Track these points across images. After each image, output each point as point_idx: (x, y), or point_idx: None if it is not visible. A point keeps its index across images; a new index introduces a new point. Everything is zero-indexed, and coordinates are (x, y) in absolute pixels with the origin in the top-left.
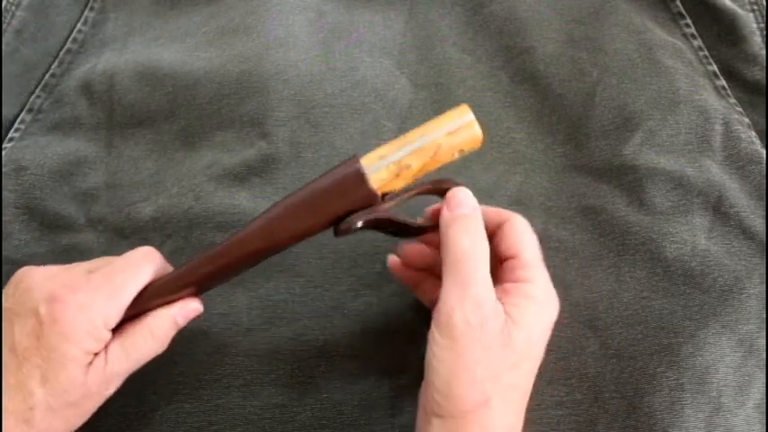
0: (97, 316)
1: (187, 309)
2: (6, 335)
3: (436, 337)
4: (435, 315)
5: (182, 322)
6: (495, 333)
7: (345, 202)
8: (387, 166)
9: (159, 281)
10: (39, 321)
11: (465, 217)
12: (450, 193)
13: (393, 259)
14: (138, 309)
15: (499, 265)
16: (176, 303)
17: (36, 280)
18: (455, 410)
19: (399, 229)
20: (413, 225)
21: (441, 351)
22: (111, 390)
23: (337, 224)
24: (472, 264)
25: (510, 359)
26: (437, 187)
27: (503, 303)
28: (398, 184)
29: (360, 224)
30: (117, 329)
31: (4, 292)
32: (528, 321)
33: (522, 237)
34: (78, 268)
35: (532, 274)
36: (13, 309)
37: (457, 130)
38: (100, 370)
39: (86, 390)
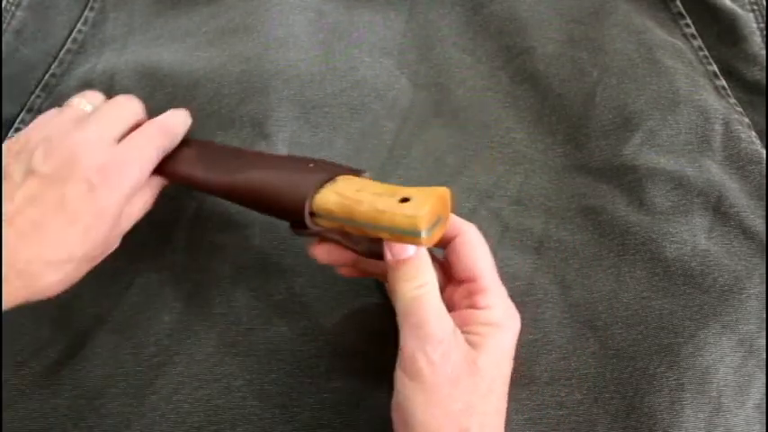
0: (134, 183)
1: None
2: (52, 196)
3: (405, 381)
4: (399, 361)
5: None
6: (460, 364)
7: (287, 218)
8: (331, 221)
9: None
10: (91, 187)
11: (408, 262)
12: (385, 243)
13: (340, 270)
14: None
15: (456, 287)
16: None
17: (80, 151)
18: None
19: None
20: (357, 251)
21: (411, 393)
22: (117, 242)
23: (295, 226)
24: (422, 306)
25: (480, 387)
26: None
27: (463, 332)
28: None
29: (312, 232)
30: None
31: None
32: (491, 347)
33: (477, 256)
34: (106, 131)
35: (491, 299)
36: (56, 173)
37: (402, 236)
38: (124, 218)
39: (114, 238)
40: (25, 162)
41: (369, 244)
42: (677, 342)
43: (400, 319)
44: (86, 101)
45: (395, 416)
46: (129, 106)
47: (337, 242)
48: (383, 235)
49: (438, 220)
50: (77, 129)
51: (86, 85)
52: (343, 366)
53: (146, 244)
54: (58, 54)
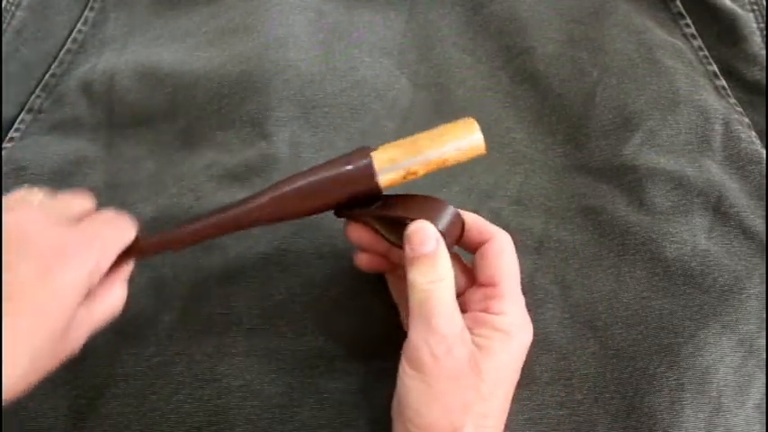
0: (94, 271)
1: (130, 266)
2: (4, 278)
3: (406, 369)
4: (404, 348)
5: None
6: (463, 362)
7: (350, 192)
8: (396, 170)
9: (156, 237)
10: (45, 270)
11: (425, 257)
12: (409, 231)
13: (359, 257)
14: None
15: (476, 288)
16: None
17: (34, 228)
18: None
19: (392, 231)
20: (388, 239)
21: (411, 382)
22: (78, 346)
23: (339, 209)
24: (434, 301)
25: (481, 389)
26: (406, 215)
27: (472, 333)
28: (399, 182)
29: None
30: None
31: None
32: (497, 352)
33: (502, 262)
34: (58, 215)
35: (506, 306)
36: (6, 254)
37: (465, 147)
38: (82, 321)
39: (65, 342)
40: None
41: (399, 236)
42: (677, 342)
43: (411, 310)
44: (34, 192)
45: (393, 404)
46: (82, 198)
47: (372, 227)
48: (448, 155)
49: None
50: (27, 209)
51: (86, 85)
52: (343, 366)
53: None
54: (58, 54)
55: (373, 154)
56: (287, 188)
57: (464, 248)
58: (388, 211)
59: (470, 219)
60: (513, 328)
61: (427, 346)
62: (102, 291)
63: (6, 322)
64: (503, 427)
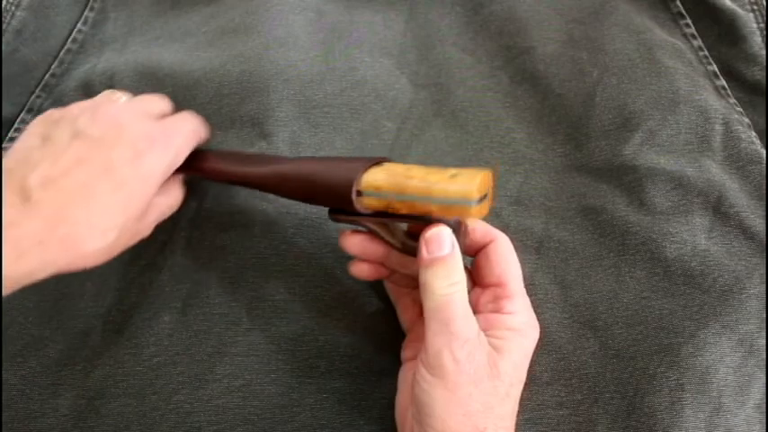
0: (174, 161)
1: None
2: (100, 160)
3: (426, 376)
4: (423, 355)
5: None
6: (483, 365)
7: (332, 202)
8: (378, 198)
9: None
10: (137, 154)
11: (442, 260)
12: (427, 235)
13: (356, 266)
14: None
15: (482, 291)
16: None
17: (127, 118)
18: None
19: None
20: (392, 244)
21: (432, 389)
22: (148, 231)
23: (334, 211)
24: (452, 305)
25: (500, 390)
26: (421, 218)
27: (486, 334)
28: (382, 209)
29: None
30: None
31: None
32: (512, 351)
33: (507, 262)
34: (144, 110)
35: (516, 305)
36: (104, 137)
37: (453, 206)
38: (154, 207)
39: (142, 224)
40: (70, 126)
41: (405, 238)
42: (677, 342)
43: (429, 315)
44: (118, 93)
45: (403, 411)
46: (162, 99)
47: (373, 233)
48: (433, 207)
49: (485, 197)
50: (119, 103)
51: (86, 85)
52: (343, 366)
53: (146, 244)
54: (58, 54)
55: (365, 176)
56: (289, 167)
57: (465, 252)
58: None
59: (473, 222)
60: (524, 326)
61: (449, 352)
62: (168, 185)
63: (105, 195)
64: (513, 425)
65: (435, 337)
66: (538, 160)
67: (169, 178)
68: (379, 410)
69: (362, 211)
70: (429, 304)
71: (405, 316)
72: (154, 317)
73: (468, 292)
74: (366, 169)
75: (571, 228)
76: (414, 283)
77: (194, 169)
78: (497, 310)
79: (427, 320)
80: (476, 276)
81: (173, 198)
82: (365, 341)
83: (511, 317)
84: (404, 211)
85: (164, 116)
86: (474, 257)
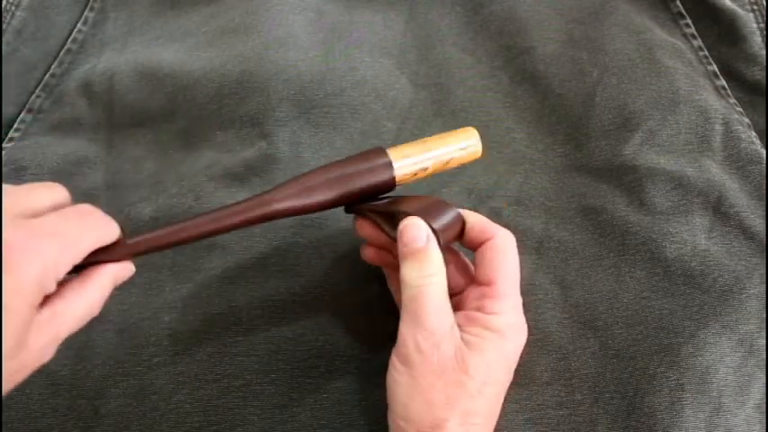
0: (49, 270)
1: (127, 269)
2: None
3: (395, 363)
4: (396, 343)
5: (118, 282)
6: (449, 358)
7: (369, 183)
8: (409, 166)
9: (149, 235)
10: None
11: (416, 252)
12: (401, 227)
13: (365, 249)
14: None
15: (474, 286)
16: (119, 263)
17: None
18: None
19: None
20: (389, 236)
21: (399, 376)
22: (48, 354)
23: (350, 204)
24: (423, 296)
25: (467, 385)
26: (406, 211)
27: (463, 330)
28: (410, 179)
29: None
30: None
31: None
32: (487, 351)
33: (500, 262)
34: (21, 206)
35: (500, 306)
36: None
37: (466, 148)
38: (44, 326)
39: (26, 350)
40: None
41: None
42: (677, 342)
43: (403, 304)
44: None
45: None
46: (51, 189)
47: (376, 223)
48: (452, 155)
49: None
50: None
51: (86, 85)
52: (343, 366)
53: None
54: (58, 54)
55: (389, 150)
56: (317, 177)
57: (466, 246)
58: (391, 207)
59: (474, 218)
60: (506, 328)
61: (414, 342)
62: (70, 292)
63: None
64: (492, 427)
65: (404, 326)
66: (538, 160)
67: (74, 281)
68: (379, 411)
69: (398, 181)
70: (404, 297)
71: (397, 296)
72: (154, 317)
73: (461, 290)
74: (384, 150)
75: (571, 228)
76: None
77: (175, 240)
78: (480, 309)
79: (402, 313)
80: (474, 273)
81: (79, 307)
82: (365, 341)
83: (492, 317)
84: (430, 169)
85: (54, 209)
86: (474, 253)
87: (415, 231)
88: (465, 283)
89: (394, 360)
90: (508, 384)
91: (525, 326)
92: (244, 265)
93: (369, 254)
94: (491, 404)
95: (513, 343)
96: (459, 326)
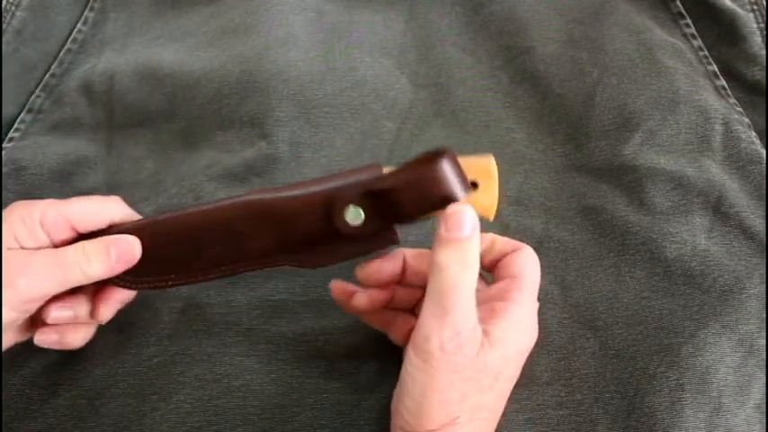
0: (35, 212)
1: (124, 241)
2: None
3: (412, 357)
4: (413, 335)
5: (113, 255)
6: (470, 358)
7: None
8: None
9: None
10: None
11: (460, 241)
12: (449, 211)
13: (335, 287)
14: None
15: (495, 283)
16: (118, 236)
17: None
18: (422, 429)
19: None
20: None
21: (415, 371)
22: (29, 307)
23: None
24: (457, 293)
25: (483, 382)
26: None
27: (486, 323)
28: None
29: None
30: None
31: None
32: (506, 342)
33: (529, 263)
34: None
35: (525, 298)
36: None
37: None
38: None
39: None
40: None
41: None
42: (677, 342)
43: (431, 296)
44: None
45: (394, 393)
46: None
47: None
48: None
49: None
50: None
51: (86, 85)
52: (343, 366)
53: None
54: (58, 54)
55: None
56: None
57: (484, 267)
58: (378, 184)
59: (502, 239)
60: (527, 322)
61: (438, 338)
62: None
63: None
64: (496, 422)
65: (429, 320)
66: (538, 160)
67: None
68: (380, 410)
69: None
70: (434, 285)
71: (399, 335)
72: (154, 317)
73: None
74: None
75: (571, 228)
76: (412, 303)
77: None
78: (504, 299)
79: (427, 300)
80: (495, 278)
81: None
82: (365, 341)
83: (516, 307)
84: None
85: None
86: (491, 272)
87: (463, 218)
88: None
89: (411, 354)
90: (514, 381)
91: (537, 330)
92: None
93: (366, 298)
94: (497, 398)
95: (530, 340)
96: (482, 320)
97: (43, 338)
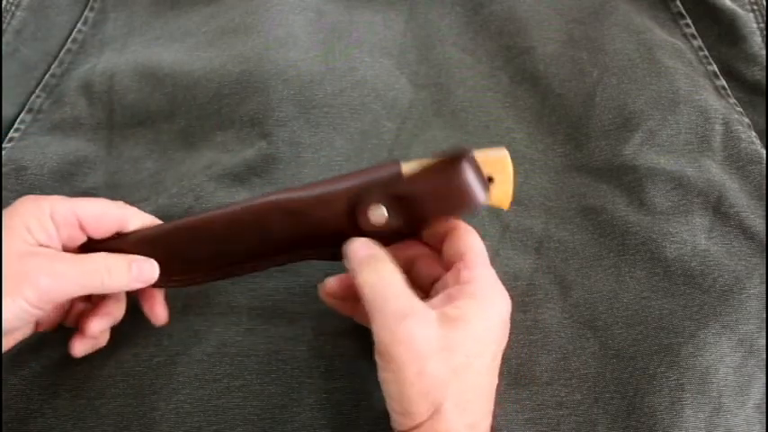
0: (45, 206)
1: (146, 262)
2: None
3: (379, 363)
4: (374, 347)
5: (134, 272)
6: (429, 339)
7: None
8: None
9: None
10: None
11: (364, 261)
12: (344, 249)
13: (326, 286)
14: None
15: (450, 271)
16: (140, 257)
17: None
18: (413, 423)
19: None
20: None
21: (384, 374)
22: (46, 307)
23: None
24: (380, 291)
25: (454, 361)
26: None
27: (445, 307)
28: None
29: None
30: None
31: None
32: (470, 320)
33: (469, 239)
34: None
35: (475, 273)
36: None
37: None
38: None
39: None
40: None
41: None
42: (677, 342)
43: (368, 306)
44: None
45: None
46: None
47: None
48: None
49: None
50: None
51: (86, 85)
52: (343, 366)
53: None
54: (58, 54)
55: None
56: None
57: (431, 243)
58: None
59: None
60: (486, 292)
61: (389, 333)
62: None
63: None
64: (491, 403)
65: (375, 325)
66: (538, 160)
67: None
68: (379, 410)
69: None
70: (365, 295)
71: (365, 320)
72: None
73: (437, 279)
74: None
75: (571, 228)
76: None
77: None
78: (457, 281)
79: (368, 313)
80: (445, 262)
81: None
82: (365, 341)
83: (470, 285)
84: None
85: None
86: (441, 249)
87: (358, 247)
88: (440, 272)
89: (377, 360)
90: (500, 356)
91: (506, 293)
92: None
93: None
94: (480, 376)
95: (497, 308)
96: (441, 306)
97: (84, 349)
